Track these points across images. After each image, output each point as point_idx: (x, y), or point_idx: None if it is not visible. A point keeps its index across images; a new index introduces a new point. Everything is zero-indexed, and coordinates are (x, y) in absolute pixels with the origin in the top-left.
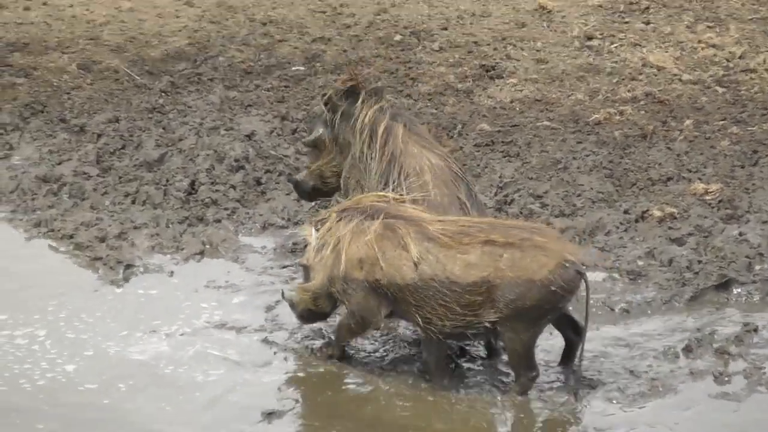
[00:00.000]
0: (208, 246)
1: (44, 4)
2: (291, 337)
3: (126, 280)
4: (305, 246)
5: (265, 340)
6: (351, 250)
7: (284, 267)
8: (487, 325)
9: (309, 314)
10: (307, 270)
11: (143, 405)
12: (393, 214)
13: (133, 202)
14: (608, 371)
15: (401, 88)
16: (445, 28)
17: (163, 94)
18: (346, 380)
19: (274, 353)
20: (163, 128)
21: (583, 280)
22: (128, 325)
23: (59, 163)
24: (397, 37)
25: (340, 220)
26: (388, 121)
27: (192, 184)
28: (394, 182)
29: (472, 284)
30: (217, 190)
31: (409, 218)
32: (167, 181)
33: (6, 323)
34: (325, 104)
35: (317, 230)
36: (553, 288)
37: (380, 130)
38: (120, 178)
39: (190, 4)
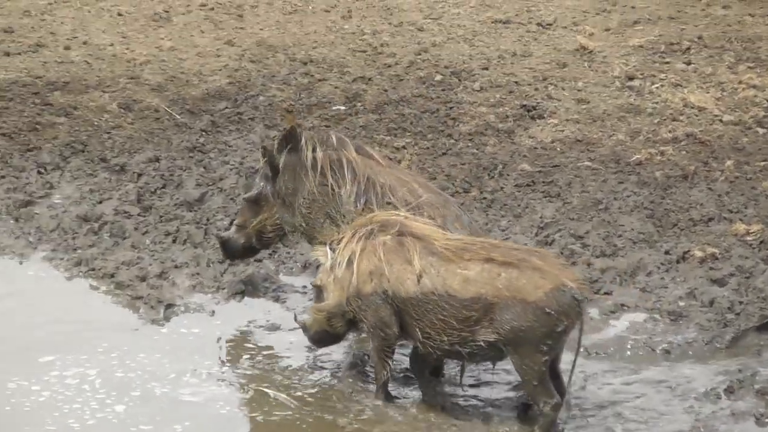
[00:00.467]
0: (248, 286)
1: (84, 43)
2: (337, 376)
3: (167, 319)
4: (318, 267)
5: (314, 380)
6: (362, 264)
7: None
8: (483, 344)
9: (323, 336)
10: (320, 291)
11: None
12: (404, 230)
13: (174, 242)
14: (650, 412)
15: (442, 127)
16: (486, 68)
17: (203, 133)
18: (396, 419)
19: (322, 392)
20: (204, 167)
21: (580, 308)
22: (175, 365)
23: (100, 202)
24: (438, 77)
25: (353, 236)
26: (354, 152)
27: (232, 223)
28: (377, 196)
29: (469, 299)
30: None
31: (419, 234)
32: (208, 220)
33: (54, 363)
34: (264, 158)
35: (332, 250)
36: (547, 310)
37: (348, 158)
38: (160, 217)
39: (230, 43)
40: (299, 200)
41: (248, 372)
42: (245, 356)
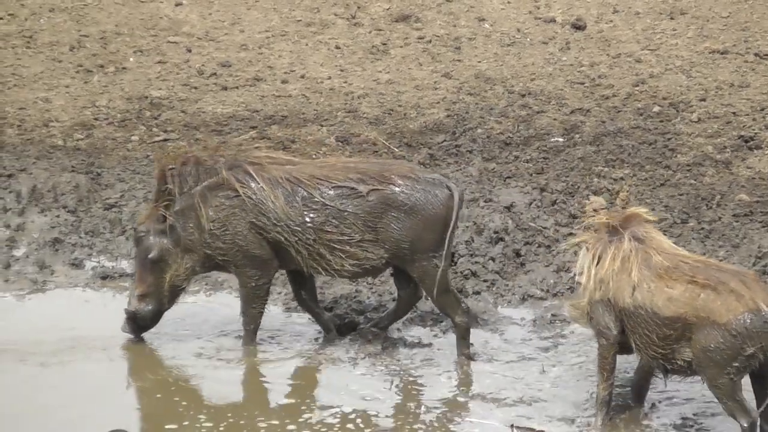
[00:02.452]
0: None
1: (302, 77)
2: (562, 409)
3: (384, 352)
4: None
5: (540, 414)
6: (597, 272)
7: (544, 338)
8: (680, 363)
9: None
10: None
11: None
12: (637, 238)
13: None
14: None
15: (659, 159)
16: (704, 99)
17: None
18: None
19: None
20: None
21: None
22: (398, 398)
23: None
24: (656, 108)
25: (596, 242)
26: (246, 164)
27: (452, 256)
28: (307, 185)
29: (669, 318)
30: (476, 262)
31: (643, 247)
32: None
33: (302, 404)
34: (168, 212)
35: (588, 250)
36: (734, 333)
37: (248, 169)
38: None
39: (448, 76)
40: (205, 235)
41: (478, 405)
42: (467, 389)
